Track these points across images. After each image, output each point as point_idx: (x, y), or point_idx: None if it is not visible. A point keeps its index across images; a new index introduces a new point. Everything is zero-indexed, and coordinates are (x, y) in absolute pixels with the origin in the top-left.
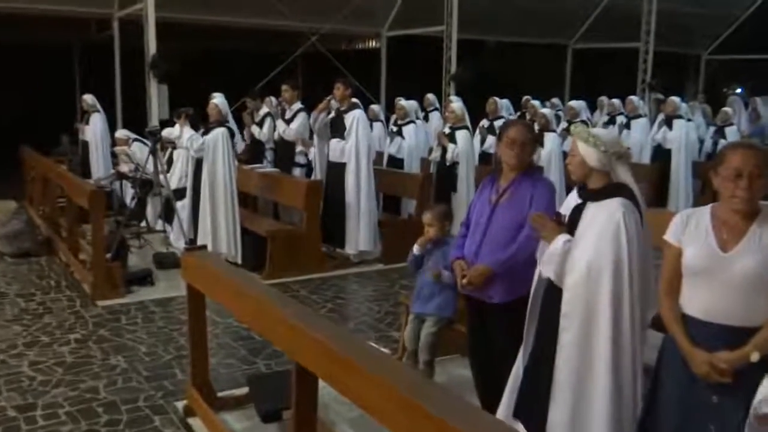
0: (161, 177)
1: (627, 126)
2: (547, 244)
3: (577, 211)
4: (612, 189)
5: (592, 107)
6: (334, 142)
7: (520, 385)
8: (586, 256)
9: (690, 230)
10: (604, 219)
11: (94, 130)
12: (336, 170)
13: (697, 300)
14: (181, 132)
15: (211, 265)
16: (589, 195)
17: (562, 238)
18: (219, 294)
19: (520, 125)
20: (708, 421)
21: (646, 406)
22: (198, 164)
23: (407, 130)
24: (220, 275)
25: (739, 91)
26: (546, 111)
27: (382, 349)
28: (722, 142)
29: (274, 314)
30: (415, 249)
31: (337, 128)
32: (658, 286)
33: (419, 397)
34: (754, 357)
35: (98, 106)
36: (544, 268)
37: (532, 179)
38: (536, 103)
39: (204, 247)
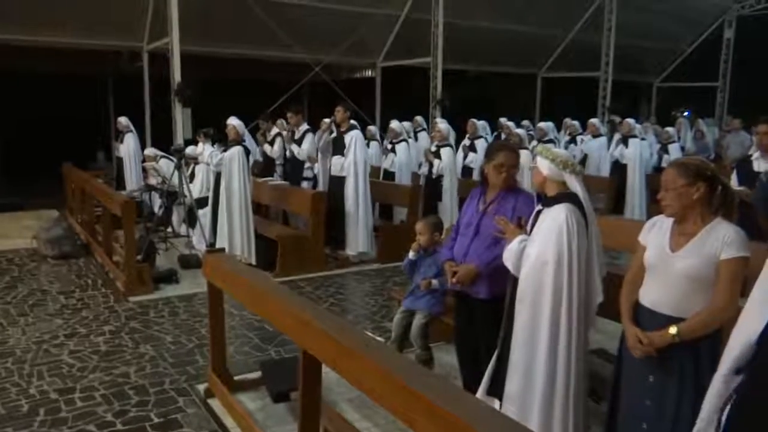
0: (185, 188)
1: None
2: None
3: (537, 215)
4: (562, 197)
5: (559, 128)
6: (335, 159)
7: (494, 366)
8: (535, 251)
9: (653, 233)
10: (551, 221)
11: (127, 148)
12: (337, 183)
13: (649, 292)
14: (202, 149)
15: (229, 266)
16: (545, 202)
17: (519, 237)
18: (236, 290)
19: (508, 151)
20: (645, 398)
21: (612, 388)
22: (217, 177)
23: (399, 147)
24: (237, 274)
25: (687, 113)
26: (520, 131)
27: (377, 338)
28: (666, 157)
29: (285, 308)
30: (410, 254)
31: (337, 147)
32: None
33: (410, 381)
34: (673, 330)
35: (131, 126)
36: (506, 263)
37: (515, 193)
38: (511, 124)
39: (223, 249)
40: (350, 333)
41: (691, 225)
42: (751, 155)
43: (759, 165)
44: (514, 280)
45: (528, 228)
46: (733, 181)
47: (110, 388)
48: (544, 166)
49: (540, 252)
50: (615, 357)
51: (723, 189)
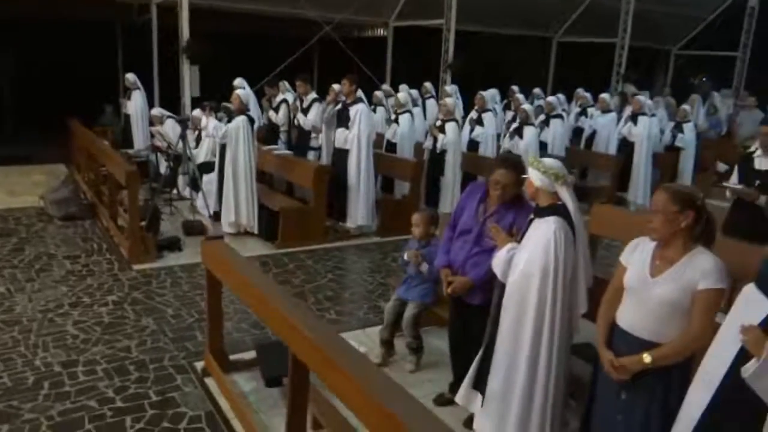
0: (189, 153)
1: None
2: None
3: (529, 223)
4: (552, 209)
5: (569, 98)
6: (339, 131)
7: (478, 363)
8: (522, 262)
9: (635, 255)
10: (540, 233)
11: (135, 105)
12: (340, 155)
13: (626, 314)
14: (207, 122)
15: (225, 257)
16: (537, 212)
17: (508, 246)
18: (231, 282)
19: (506, 169)
20: (617, 413)
21: (588, 394)
22: (223, 147)
23: (403, 118)
24: (233, 267)
25: (704, 79)
26: (527, 107)
27: (361, 350)
28: (680, 136)
29: (274, 308)
30: (405, 255)
31: (342, 119)
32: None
33: (386, 400)
34: (647, 359)
35: (139, 83)
36: (495, 269)
37: (516, 207)
38: (521, 97)
39: (221, 237)
40: (336, 344)
41: (673, 251)
42: (753, 151)
43: (760, 163)
44: (502, 286)
45: (520, 235)
46: (734, 178)
47: (112, 362)
48: (536, 177)
49: (527, 262)
50: (592, 365)
51: (707, 218)
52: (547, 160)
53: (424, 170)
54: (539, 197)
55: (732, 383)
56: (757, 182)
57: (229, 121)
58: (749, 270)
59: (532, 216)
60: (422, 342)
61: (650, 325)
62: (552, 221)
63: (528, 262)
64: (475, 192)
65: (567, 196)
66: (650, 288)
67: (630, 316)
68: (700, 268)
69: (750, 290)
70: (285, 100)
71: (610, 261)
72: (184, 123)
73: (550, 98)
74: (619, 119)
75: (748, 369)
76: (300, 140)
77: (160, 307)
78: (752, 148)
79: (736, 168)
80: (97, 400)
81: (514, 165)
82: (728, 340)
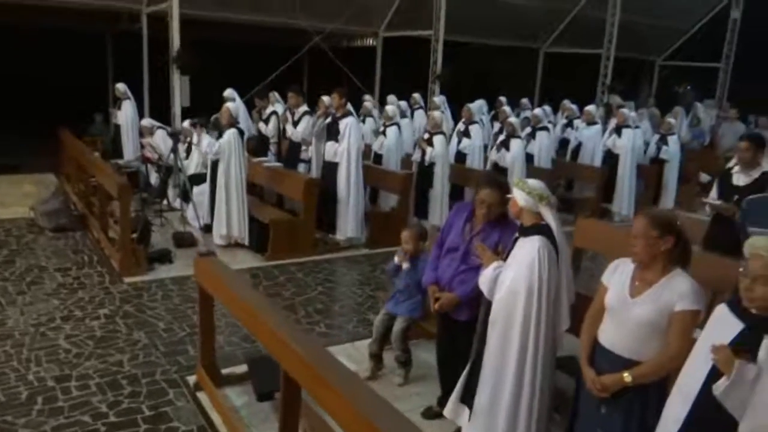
0: (180, 165)
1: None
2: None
3: (514, 242)
4: (536, 228)
5: (556, 110)
6: (329, 145)
7: (466, 378)
8: (508, 280)
9: (616, 276)
10: (525, 252)
11: (125, 115)
12: (330, 168)
13: (607, 333)
14: (199, 140)
15: (217, 273)
16: (521, 231)
17: (494, 264)
18: (223, 297)
19: (492, 188)
20: (596, 426)
21: (572, 408)
22: (215, 161)
23: (390, 131)
24: (225, 284)
25: (689, 87)
26: (513, 119)
27: (351, 368)
28: (664, 149)
29: (265, 325)
30: (396, 259)
31: (332, 132)
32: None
33: (373, 416)
34: (627, 378)
35: (129, 93)
36: (481, 287)
37: (502, 225)
38: (507, 109)
39: (214, 254)
40: (326, 360)
41: (652, 273)
42: (731, 168)
43: (738, 179)
44: (488, 303)
45: (505, 254)
46: (713, 193)
47: (104, 377)
48: (521, 197)
49: (513, 281)
50: (575, 380)
51: (684, 242)
52: (531, 181)
53: (413, 183)
54: (523, 217)
55: (705, 400)
56: (736, 197)
57: (219, 135)
58: (728, 283)
59: (517, 235)
60: (411, 355)
61: (630, 344)
62: (536, 240)
63: (514, 280)
64: (462, 211)
65: (550, 216)
66: (630, 308)
67: (611, 336)
68: (677, 290)
69: (721, 310)
70: (275, 112)
71: (594, 272)
72: (175, 136)
73: (537, 110)
74: (604, 131)
75: (719, 387)
76: (290, 153)
77: (152, 321)
78: (731, 164)
79: (715, 183)
80: (90, 415)
81: (499, 185)
82: (701, 358)
